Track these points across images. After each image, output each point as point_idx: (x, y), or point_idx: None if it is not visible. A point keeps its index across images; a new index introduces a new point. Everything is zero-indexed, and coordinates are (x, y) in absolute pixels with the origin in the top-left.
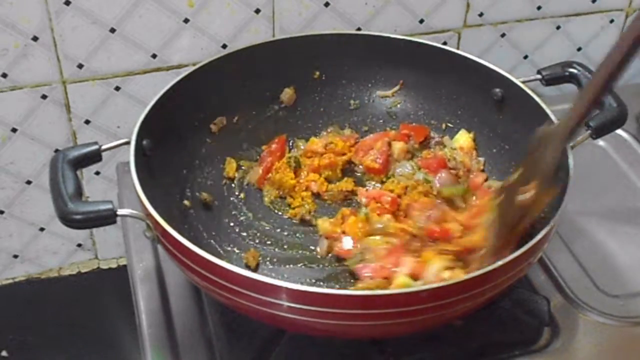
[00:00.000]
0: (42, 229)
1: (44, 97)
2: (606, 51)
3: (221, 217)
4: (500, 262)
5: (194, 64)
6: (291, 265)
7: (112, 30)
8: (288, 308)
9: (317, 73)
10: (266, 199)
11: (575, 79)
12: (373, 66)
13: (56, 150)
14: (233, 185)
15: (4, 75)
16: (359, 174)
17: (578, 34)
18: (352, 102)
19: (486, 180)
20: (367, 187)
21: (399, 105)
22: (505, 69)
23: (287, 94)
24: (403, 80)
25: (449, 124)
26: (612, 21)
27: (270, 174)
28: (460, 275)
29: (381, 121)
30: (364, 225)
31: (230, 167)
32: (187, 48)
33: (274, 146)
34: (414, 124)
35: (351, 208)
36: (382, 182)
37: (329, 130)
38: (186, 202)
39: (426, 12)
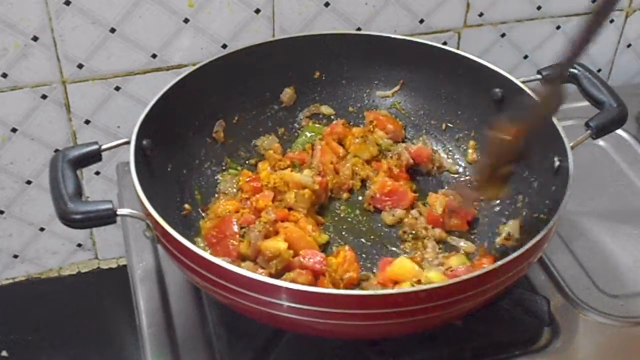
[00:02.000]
0: (42, 229)
1: (44, 97)
2: (606, 51)
3: None
4: (500, 262)
5: (194, 64)
6: None
7: (112, 30)
8: (288, 308)
9: (317, 73)
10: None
11: (575, 79)
12: (373, 66)
13: (56, 150)
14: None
15: (4, 75)
16: None
17: None
18: (352, 102)
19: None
20: None
21: (399, 105)
22: (505, 69)
23: (287, 94)
24: (403, 81)
25: (449, 124)
26: (612, 21)
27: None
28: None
29: None
30: None
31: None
32: (187, 48)
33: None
34: (410, 128)
35: None
36: None
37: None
38: (187, 206)
39: (426, 12)
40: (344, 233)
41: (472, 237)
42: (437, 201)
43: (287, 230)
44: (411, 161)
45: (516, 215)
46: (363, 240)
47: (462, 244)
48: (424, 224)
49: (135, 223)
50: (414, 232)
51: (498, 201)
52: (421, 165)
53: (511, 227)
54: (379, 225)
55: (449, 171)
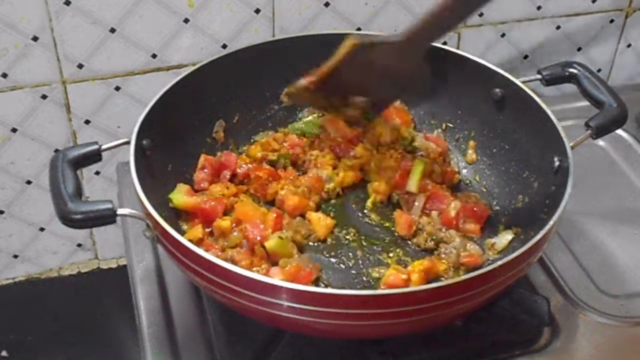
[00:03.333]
0: (42, 229)
1: (44, 97)
2: (606, 51)
3: None
4: (500, 262)
5: (194, 64)
6: None
7: (112, 30)
8: (288, 308)
9: None
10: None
11: (575, 79)
12: None
13: (56, 150)
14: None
15: (4, 75)
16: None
17: (578, 34)
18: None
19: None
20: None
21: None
22: (505, 69)
23: None
24: None
25: (449, 124)
26: (612, 21)
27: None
28: None
29: None
30: None
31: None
32: (187, 48)
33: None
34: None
35: None
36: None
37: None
38: None
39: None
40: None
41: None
42: (451, 204)
43: (239, 205)
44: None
45: (517, 220)
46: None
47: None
48: (439, 225)
49: (135, 223)
50: (434, 237)
51: (496, 201)
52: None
53: (501, 238)
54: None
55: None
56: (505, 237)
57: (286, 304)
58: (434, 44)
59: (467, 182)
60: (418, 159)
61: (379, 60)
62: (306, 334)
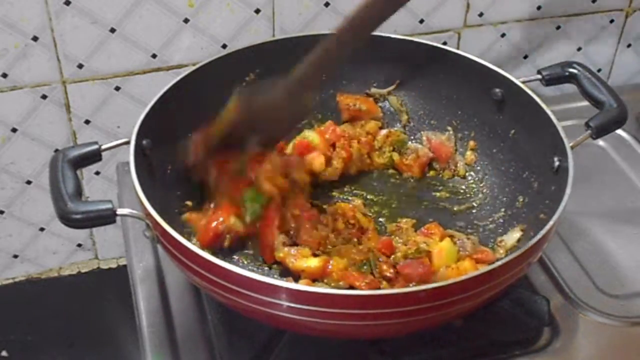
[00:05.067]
0: (42, 229)
1: (44, 97)
2: (606, 51)
3: None
4: (499, 262)
5: (194, 64)
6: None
7: (112, 30)
8: (287, 308)
9: None
10: None
11: (575, 79)
12: (372, 66)
13: (56, 150)
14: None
15: (4, 75)
16: None
17: (578, 34)
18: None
19: None
20: None
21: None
22: (505, 69)
23: None
24: (403, 80)
25: (449, 125)
26: (612, 21)
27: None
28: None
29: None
30: None
31: None
32: (187, 48)
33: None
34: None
35: None
36: None
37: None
38: (189, 203)
39: (426, 12)
40: None
41: (474, 234)
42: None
43: None
44: (430, 155)
45: (517, 220)
46: None
47: (466, 240)
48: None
49: (135, 223)
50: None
51: (496, 201)
52: (438, 161)
53: (509, 236)
54: None
55: (458, 175)
56: (513, 236)
57: (285, 304)
58: (434, 43)
59: (469, 182)
60: None
61: (266, 107)
62: (306, 334)
